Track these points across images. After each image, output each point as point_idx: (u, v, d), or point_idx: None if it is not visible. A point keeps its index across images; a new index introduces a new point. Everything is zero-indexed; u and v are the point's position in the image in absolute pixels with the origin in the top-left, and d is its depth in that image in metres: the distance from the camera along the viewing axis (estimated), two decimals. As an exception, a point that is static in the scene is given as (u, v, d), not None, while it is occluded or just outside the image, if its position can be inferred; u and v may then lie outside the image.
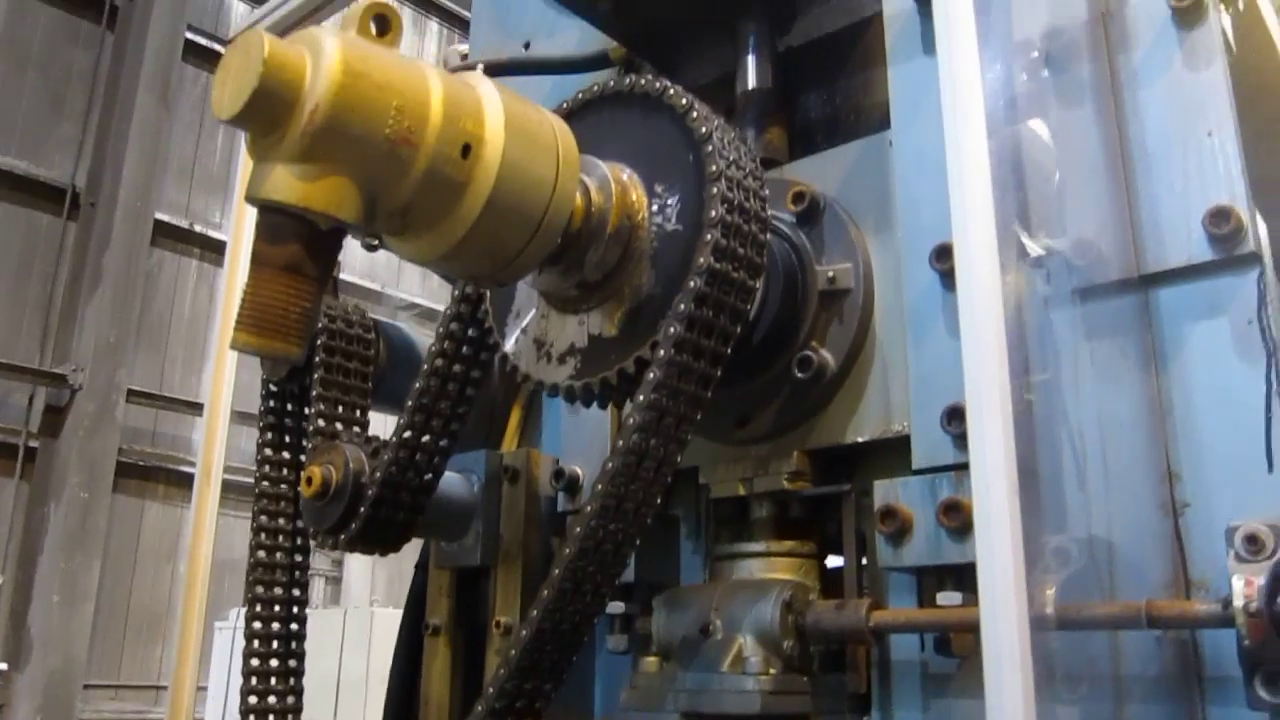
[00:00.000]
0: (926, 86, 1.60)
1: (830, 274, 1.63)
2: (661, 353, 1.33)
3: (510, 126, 1.25)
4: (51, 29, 10.74)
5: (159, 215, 11.30)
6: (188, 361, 11.81)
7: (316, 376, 1.89)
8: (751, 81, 1.88)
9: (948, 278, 1.49)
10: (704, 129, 1.38)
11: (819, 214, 1.68)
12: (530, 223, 1.29)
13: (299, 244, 1.18)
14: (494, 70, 2.31)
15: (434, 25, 12.82)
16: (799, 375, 1.60)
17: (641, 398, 1.33)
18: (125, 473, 11.17)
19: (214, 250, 11.67)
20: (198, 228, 11.86)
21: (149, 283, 11.41)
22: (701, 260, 1.32)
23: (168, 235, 11.65)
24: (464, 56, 2.65)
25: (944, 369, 1.48)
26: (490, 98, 1.26)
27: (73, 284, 10.81)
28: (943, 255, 1.49)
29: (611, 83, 1.53)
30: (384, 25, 1.24)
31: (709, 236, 1.33)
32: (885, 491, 1.48)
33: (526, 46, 2.44)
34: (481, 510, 1.93)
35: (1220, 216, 1.36)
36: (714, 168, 1.35)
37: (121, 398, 10.88)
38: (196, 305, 11.99)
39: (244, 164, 2.29)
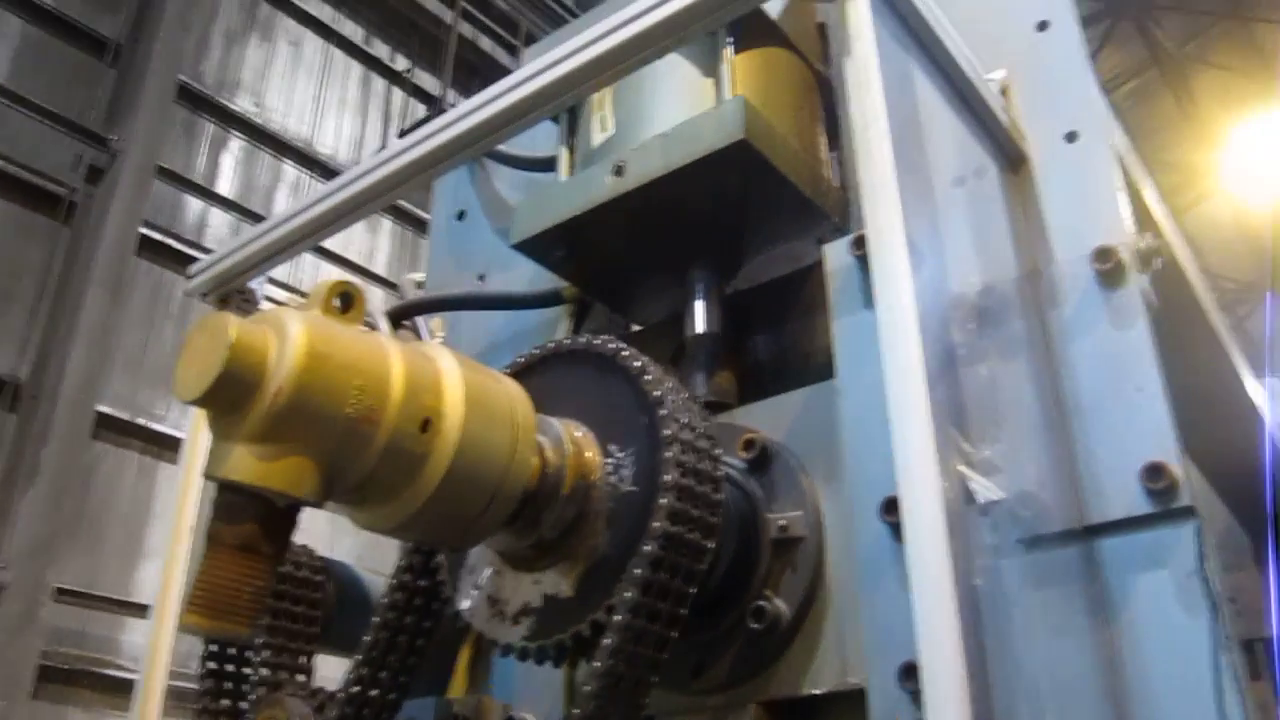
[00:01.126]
0: (869, 339, 1.68)
1: (782, 522, 1.65)
2: (617, 618, 1.33)
3: (469, 399, 1.28)
4: (4, 223, 10.87)
5: (101, 408, 11.17)
6: (123, 558, 11.43)
7: (262, 624, 1.85)
8: (700, 326, 1.95)
9: (897, 530, 1.52)
10: (657, 392, 1.42)
11: (769, 461, 1.71)
12: (486, 491, 1.30)
13: (255, 523, 1.18)
14: (450, 304, 2.38)
15: (387, 223, 13.14)
16: (753, 625, 1.60)
17: (598, 664, 1.32)
18: (47, 677, 10.59)
19: (156, 443, 11.50)
20: (140, 420, 11.71)
21: (87, 475, 11.16)
22: (656, 524, 1.34)
23: (109, 428, 11.47)
24: (419, 284, 2.73)
25: (897, 623, 1.48)
26: (450, 371, 1.29)
27: (8, 478, 10.53)
28: (890, 508, 1.52)
29: (568, 341, 1.58)
30: (347, 302, 1.28)
31: (663, 500, 1.35)
32: (848, 745, 1.46)
33: (481, 278, 2.52)
34: (430, 762, 1.86)
35: (1155, 472, 1.41)
36: (668, 431, 1.38)
37: (49, 597, 10.44)
38: (136, 500, 11.69)
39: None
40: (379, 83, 13.98)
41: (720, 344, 1.94)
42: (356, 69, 13.62)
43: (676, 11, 1.50)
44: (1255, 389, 3.14)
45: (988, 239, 1.74)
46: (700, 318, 1.96)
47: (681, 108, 1.91)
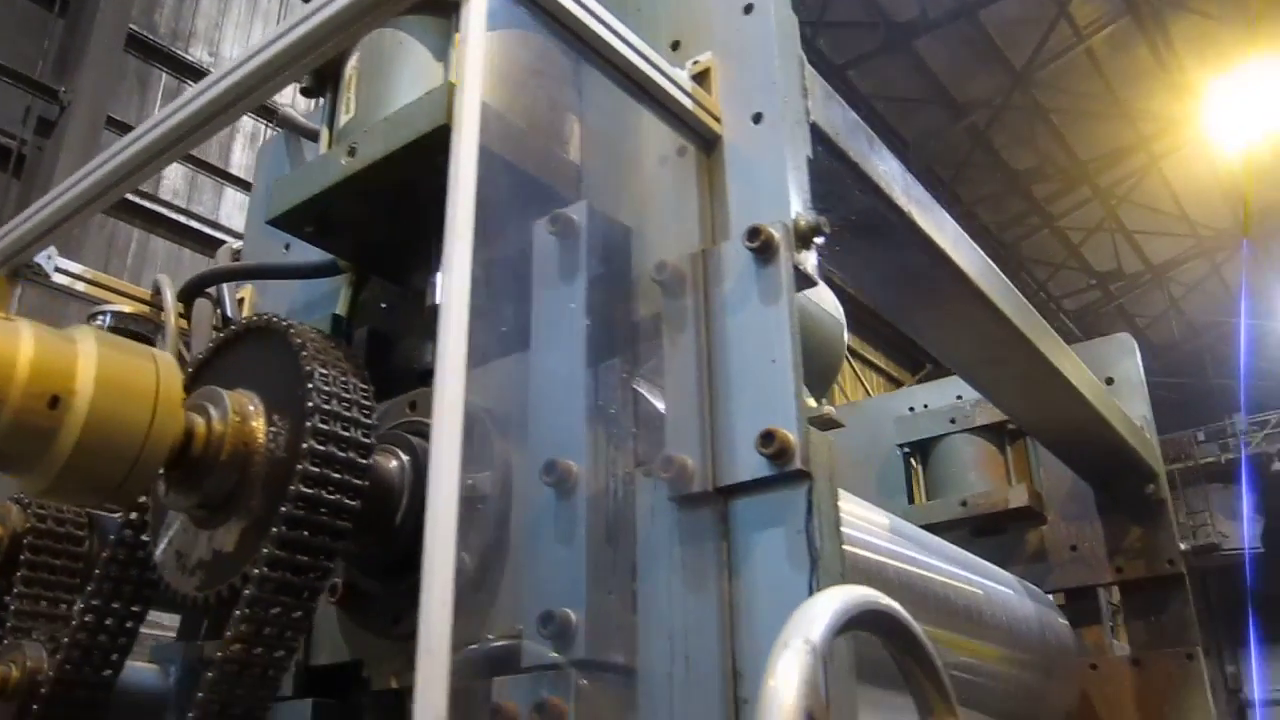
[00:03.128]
0: (558, 311, 1.79)
1: (470, 482, 1.78)
2: (257, 571, 1.46)
3: (102, 376, 1.40)
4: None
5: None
6: None
7: (19, 575, 1.98)
8: (436, 297, 2.05)
9: (556, 491, 1.65)
10: (309, 366, 1.54)
11: (468, 426, 1.83)
12: (126, 458, 1.42)
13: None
14: (233, 276, 2.49)
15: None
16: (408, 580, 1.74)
17: (238, 612, 1.45)
18: None
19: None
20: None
21: None
22: (293, 488, 1.47)
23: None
24: (236, 253, 2.83)
25: (551, 576, 1.62)
26: (87, 353, 1.41)
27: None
28: (549, 470, 1.65)
29: (254, 319, 1.69)
30: (-8, 287, 1.40)
31: (300, 466, 1.47)
32: (498, 689, 1.60)
33: (287, 247, 2.62)
34: (174, 703, 2.01)
35: (767, 437, 1.53)
36: (311, 402, 1.51)
37: None
38: None
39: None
40: (340, 32, 13.88)
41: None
42: (316, 18, 13.50)
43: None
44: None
45: (683, 216, 1.84)
46: (437, 289, 2.06)
47: (413, 91, 2.00)
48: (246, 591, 1.45)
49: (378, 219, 2.08)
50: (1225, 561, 24.13)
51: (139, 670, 1.95)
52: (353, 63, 2.16)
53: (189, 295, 2.44)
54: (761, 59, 1.86)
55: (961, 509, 4.06)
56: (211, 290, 2.52)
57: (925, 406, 4.37)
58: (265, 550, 1.45)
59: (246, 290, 2.68)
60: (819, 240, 1.72)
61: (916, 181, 2.29)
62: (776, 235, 1.66)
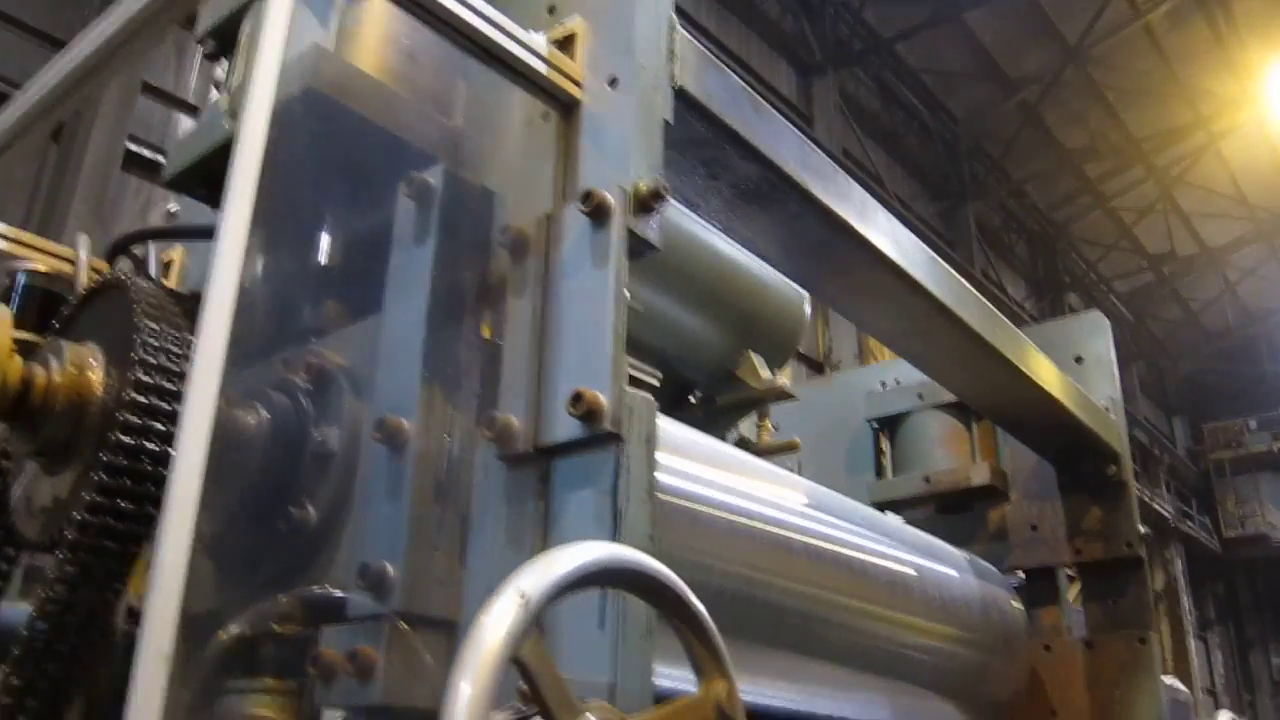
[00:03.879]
0: (413, 272, 1.83)
1: (320, 438, 1.82)
2: (79, 517, 1.52)
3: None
4: None
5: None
6: None
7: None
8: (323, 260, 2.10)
9: (386, 446, 1.69)
10: (139, 321, 1.59)
11: (326, 383, 1.88)
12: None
13: None
14: (153, 236, 2.55)
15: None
16: (281, 528, 1.79)
17: (59, 555, 1.52)
18: None
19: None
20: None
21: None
22: (112, 436, 1.52)
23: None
24: (173, 213, 2.90)
25: (376, 530, 1.67)
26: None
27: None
28: (379, 427, 1.69)
29: (109, 277, 1.75)
30: None
31: (120, 416, 1.53)
32: (326, 638, 1.65)
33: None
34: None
35: (576, 399, 1.55)
36: (135, 355, 1.56)
37: None
38: None
39: None
40: None
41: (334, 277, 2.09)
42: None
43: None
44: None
45: (539, 181, 1.86)
46: (321, 249, 2.11)
47: (293, 54, 2.04)
48: (67, 535, 1.51)
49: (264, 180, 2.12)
50: (1274, 552, 23.58)
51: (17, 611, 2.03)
52: (246, 27, 2.20)
53: (112, 256, 2.51)
54: (623, 23, 1.87)
55: (925, 485, 4.04)
56: (139, 252, 2.59)
57: (897, 382, 4.34)
58: (87, 497, 1.51)
59: (176, 253, 2.75)
60: (660, 205, 1.72)
61: (818, 150, 2.27)
62: (610, 199, 1.67)
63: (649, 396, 1.63)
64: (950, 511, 4.12)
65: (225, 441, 1.74)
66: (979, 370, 3.12)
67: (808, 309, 3.47)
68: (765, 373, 3.34)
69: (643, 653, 1.46)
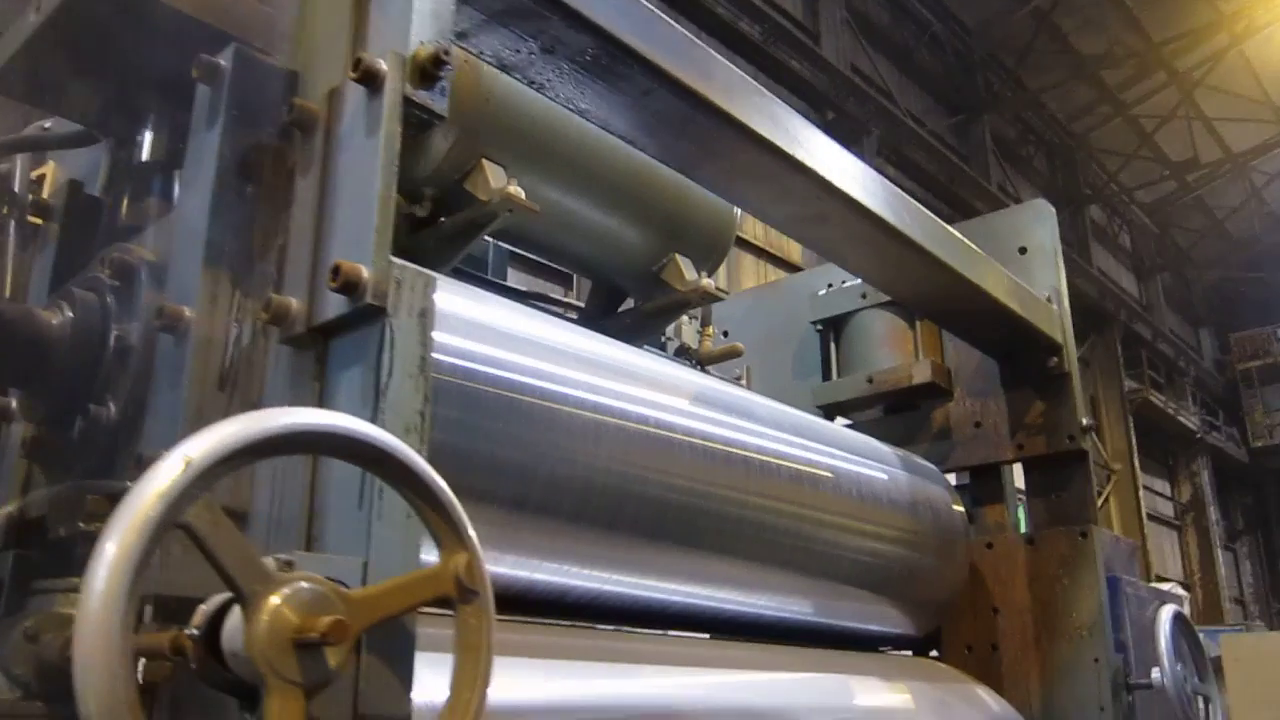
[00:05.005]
0: (205, 159, 1.75)
1: (117, 333, 1.77)
2: None
3: None
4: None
5: None
6: None
7: None
8: (144, 154, 2.03)
9: (169, 332, 1.64)
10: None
11: (130, 278, 1.82)
12: None
13: None
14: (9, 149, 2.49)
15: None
16: (81, 423, 1.75)
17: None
18: None
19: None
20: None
21: None
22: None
23: None
24: (46, 128, 2.84)
25: (158, 420, 1.62)
26: None
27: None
28: (159, 314, 1.63)
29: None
30: None
31: None
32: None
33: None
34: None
35: (334, 272, 1.48)
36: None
37: None
38: None
39: None
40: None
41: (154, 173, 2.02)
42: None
43: None
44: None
45: (333, 56, 1.77)
46: (146, 147, 2.04)
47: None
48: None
49: (83, 76, 2.05)
50: (1304, 461, 23.28)
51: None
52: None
53: (-26, 171, 2.45)
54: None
55: (868, 386, 3.96)
56: (5, 167, 2.53)
57: (843, 283, 4.23)
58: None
59: (48, 167, 2.68)
60: (444, 72, 1.63)
61: (665, 19, 2.16)
62: (381, 66, 1.58)
63: (424, 271, 1.55)
64: (897, 411, 4.04)
65: (28, 342, 1.70)
66: (893, 260, 3.01)
67: (737, 216, 3.36)
68: (691, 275, 3.24)
69: (404, 531, 1.40)
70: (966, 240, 3.21)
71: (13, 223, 2.33)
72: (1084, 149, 22.33)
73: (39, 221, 2.20)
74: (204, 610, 1.21)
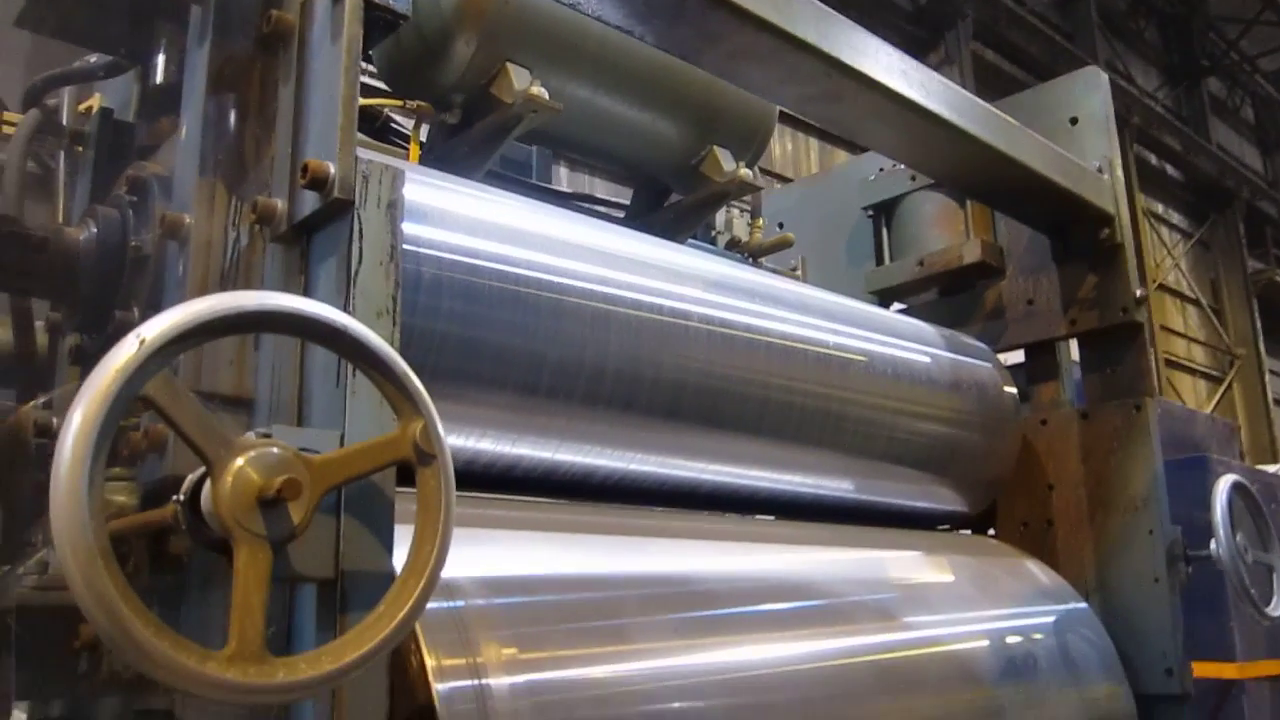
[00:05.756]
0: (198, 74, 1.87)
1: (135, 243, 1.92)
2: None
3: None
4: None
5: None
6: None
7: None
8: (159, 76, 2.16)
9: (171, 239, 1.78)
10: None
11: (144, 193, 1.96)
12: None
13: None
14: (47, 84, 2.65)
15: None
16: (110, 329, 1.91)
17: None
18: None
19: None
20: None
21: None
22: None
23: None
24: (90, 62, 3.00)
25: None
26: None
27: None
28: (162, 221, 1.77)
29: None
30: None
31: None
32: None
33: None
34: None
35: (304, 170, 1.58)
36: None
37: None
38: None
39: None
40: None
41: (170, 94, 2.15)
42: None
43: None
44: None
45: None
46: (159, 70, 2.17)
47: None
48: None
49: (104, 8, 2.18)
50: None
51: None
52: None
53: (28, 105, 2.64)
54: None
55: (919, 269, 3.94)
56: (52, 101, 2.71)
57: (894, 166, 4.17)
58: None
59: (95, 99, 2.85)
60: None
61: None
62: (338, -32, 1.65)
63: (391, 164, 1.64)
64: (950, 294, 4.01)
65: (60, 257, 1.86)
66: (920, 137, 2.98)
67: (775, 109, 3.36)
68: (729, 166, 3.27)
69: (376, 406, 1.52)
70: (1000, 113, 3.15)
71: (62, 153, 2.51)
72: (1200, 16, 21.01)
73: (79, 150, 2.37)
74: (189, 478, 1.35)
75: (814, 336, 2.82)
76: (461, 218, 2.07)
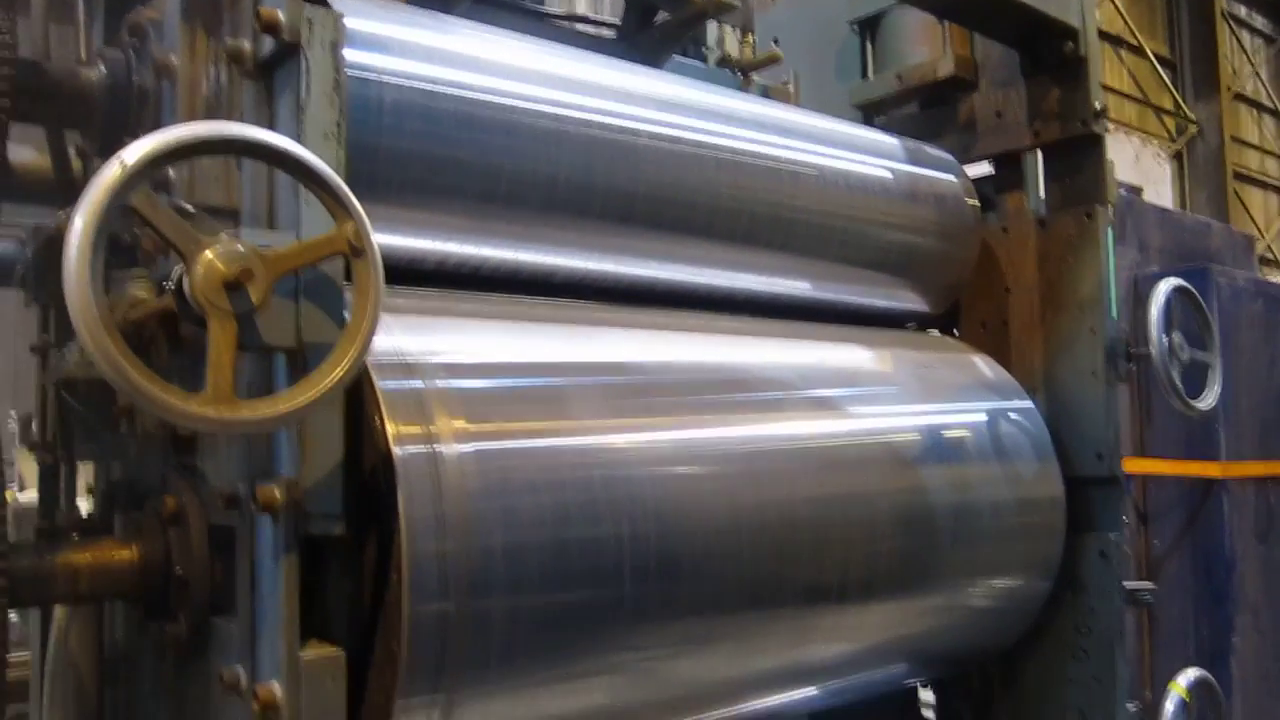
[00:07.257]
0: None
1: (139, 80, 2.27)
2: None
3: None
4: None
5: None
6: None
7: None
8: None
9: (163, 77, 2.12)
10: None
11: (144, 38, 2.30)
12: None
13: None
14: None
15: None
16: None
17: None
18: None
19: None
20: None
21: None
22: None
23: None
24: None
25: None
26: None
27: None
28: (154, 63, 2.11)
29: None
30: None
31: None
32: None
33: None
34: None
35: (258, 17, 1.90)
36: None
37: None
38: None
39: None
40: None
41: None
42: None
43: None
44: None
45: None
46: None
47: None
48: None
49: None
50: None
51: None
52: None
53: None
54: None
55: (898, 83, 4.12)
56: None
57: (880, -18, 4.30)
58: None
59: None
60: None
61: None
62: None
63: (333, 10, 1.95)
64: (931, 107, 4.19)
65: (76, 93, 2.23)
66: None
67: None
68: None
69: (324, 211, 1.88)
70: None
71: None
72: None
73: (94, -5, 2.68)
74: (175, 269, 1.74)
75: (763, 151, 3.10)
76: (420, 47, 2.38)
